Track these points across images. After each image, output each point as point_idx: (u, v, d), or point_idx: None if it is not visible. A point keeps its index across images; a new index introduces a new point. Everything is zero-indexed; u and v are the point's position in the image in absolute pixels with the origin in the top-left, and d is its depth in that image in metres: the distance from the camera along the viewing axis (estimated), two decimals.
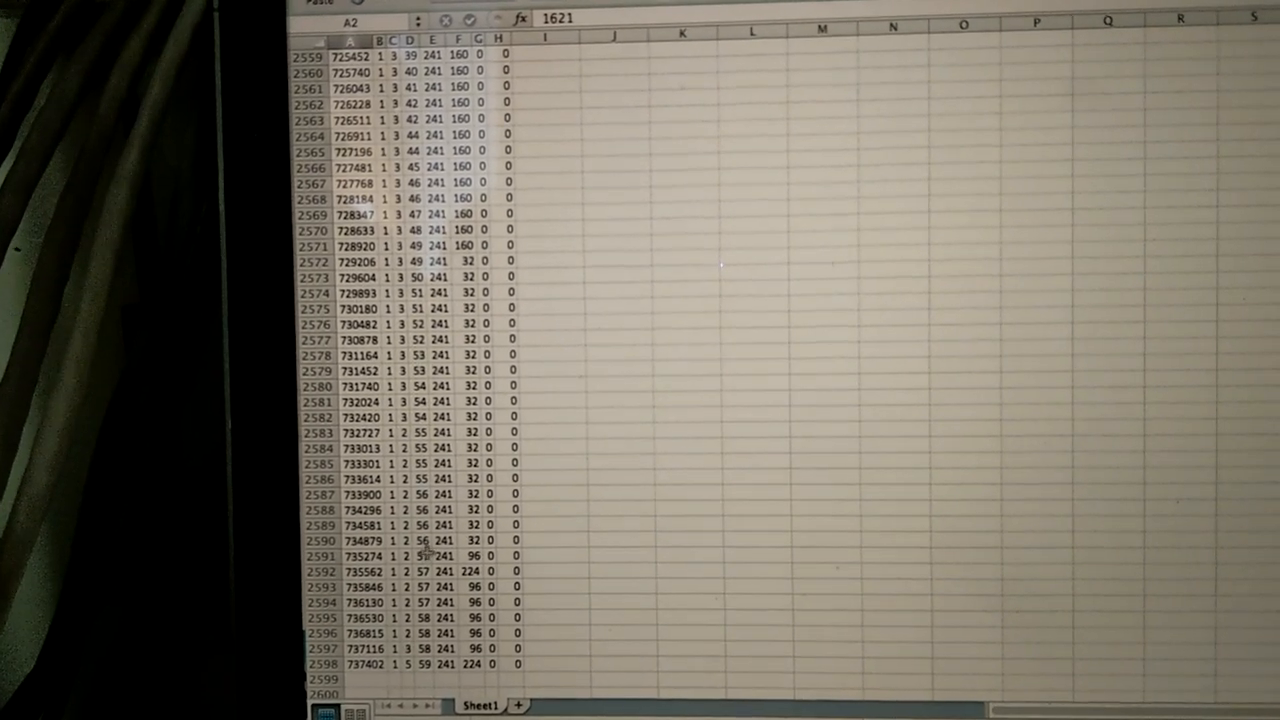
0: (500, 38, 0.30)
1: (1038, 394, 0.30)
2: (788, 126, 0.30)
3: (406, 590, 0.31)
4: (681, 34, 0.30)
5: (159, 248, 0.38)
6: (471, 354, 0.30)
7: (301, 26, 0.31)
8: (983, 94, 0.30)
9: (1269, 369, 0.29)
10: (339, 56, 0.31)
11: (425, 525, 0.30)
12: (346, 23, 0.30)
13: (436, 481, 0.30)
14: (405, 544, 0.31)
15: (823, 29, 0.30)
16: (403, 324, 0.30)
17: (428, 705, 0.31)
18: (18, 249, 0.39)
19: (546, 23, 0.30)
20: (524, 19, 0.30)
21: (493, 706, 0.31)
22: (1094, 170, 0.29)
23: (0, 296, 0.37)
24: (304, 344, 0.30)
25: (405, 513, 0.30)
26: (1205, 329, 0.29)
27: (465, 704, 0.31)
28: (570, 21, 0.30)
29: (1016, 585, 0.30)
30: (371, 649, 0.31)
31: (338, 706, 0.31)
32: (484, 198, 0.30)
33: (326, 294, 0.30)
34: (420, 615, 0.31)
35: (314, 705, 0.31)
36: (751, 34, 0.30)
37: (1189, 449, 0.29)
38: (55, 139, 0.34)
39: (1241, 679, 0.30)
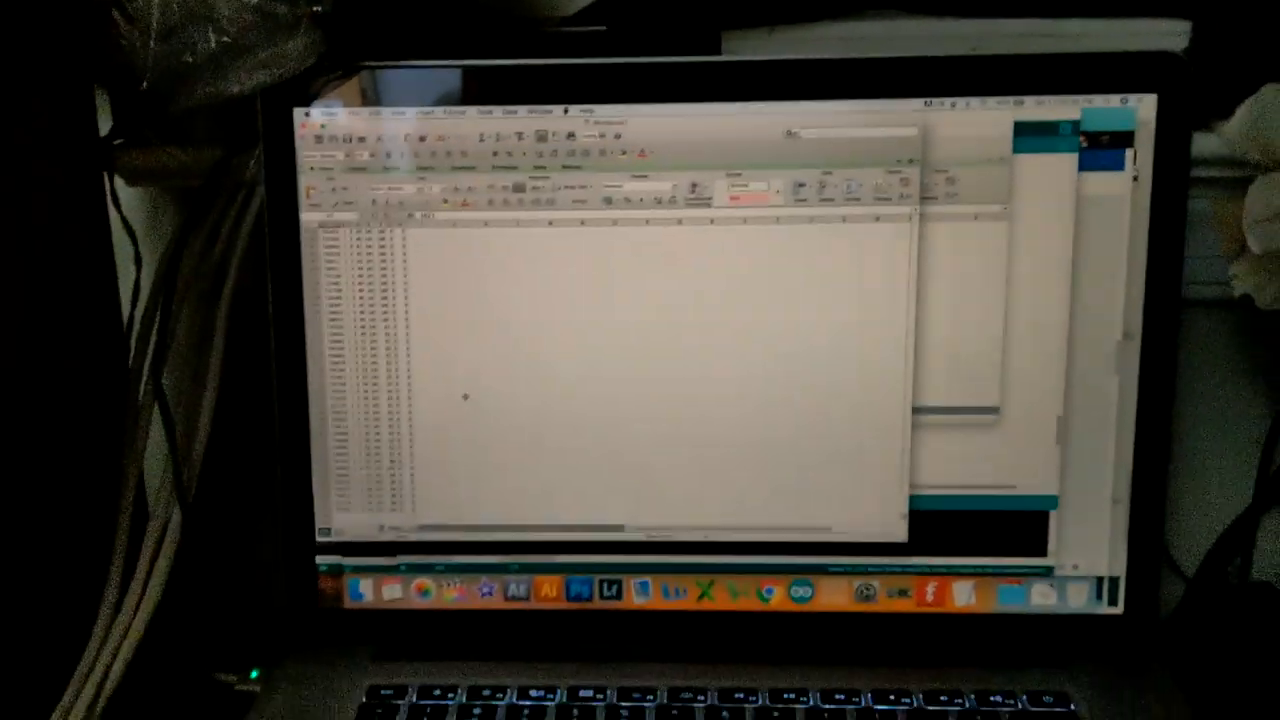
0: (401, 224, 0.65)
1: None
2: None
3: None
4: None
5: None
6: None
7: (309, 216, 0.65)
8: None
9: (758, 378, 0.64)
10: (325, 237, 0.65)
11: None
12: (322, 224, 0.65)
13: None
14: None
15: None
16: None
17: None
18: None
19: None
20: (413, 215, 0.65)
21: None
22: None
23: None
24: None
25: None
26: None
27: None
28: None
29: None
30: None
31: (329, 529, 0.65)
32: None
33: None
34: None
35: (320, 529, 0.65)
36: (518, 224, 0.64)
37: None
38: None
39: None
